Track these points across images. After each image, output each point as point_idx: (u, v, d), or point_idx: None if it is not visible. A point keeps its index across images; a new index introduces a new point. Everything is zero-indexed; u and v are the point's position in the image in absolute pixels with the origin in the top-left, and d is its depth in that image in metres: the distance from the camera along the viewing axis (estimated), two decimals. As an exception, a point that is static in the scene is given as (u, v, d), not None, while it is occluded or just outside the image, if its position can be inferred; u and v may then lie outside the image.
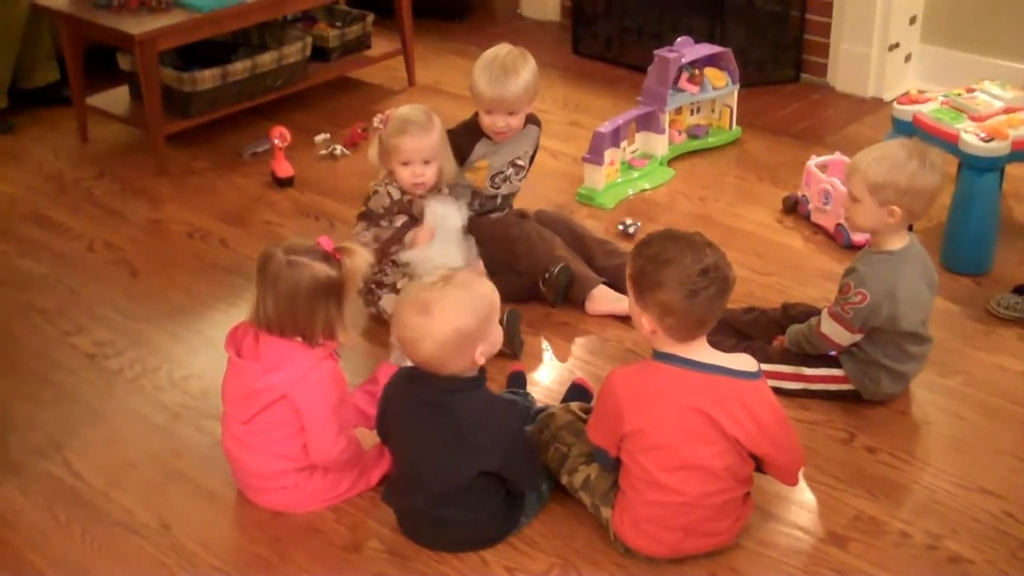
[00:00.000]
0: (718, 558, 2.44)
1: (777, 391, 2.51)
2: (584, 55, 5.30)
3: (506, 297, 3.12)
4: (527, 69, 3.29)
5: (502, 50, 3.32)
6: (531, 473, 2.51)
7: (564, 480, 2.55)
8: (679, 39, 4.19)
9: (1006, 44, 4.51)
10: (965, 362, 3.07)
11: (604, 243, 3.49)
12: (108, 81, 4.53)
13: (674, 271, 2.25)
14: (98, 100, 4.50)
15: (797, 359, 2.91)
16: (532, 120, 3.48)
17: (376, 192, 3.16)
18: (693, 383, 2.31)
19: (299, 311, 2.46)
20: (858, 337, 2.80)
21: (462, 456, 2.38)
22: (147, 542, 2.54)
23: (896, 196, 2.70)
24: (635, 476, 2.36)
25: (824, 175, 3.71)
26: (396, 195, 3.14)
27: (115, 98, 4.51)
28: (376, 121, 3.16)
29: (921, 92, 3.65)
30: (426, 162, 3.11)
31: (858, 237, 3.49)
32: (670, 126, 4.18)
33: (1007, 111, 3.44)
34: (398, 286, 3.14)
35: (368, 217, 3.17)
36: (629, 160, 4.11)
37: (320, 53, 4.78)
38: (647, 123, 4.13)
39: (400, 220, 3.17)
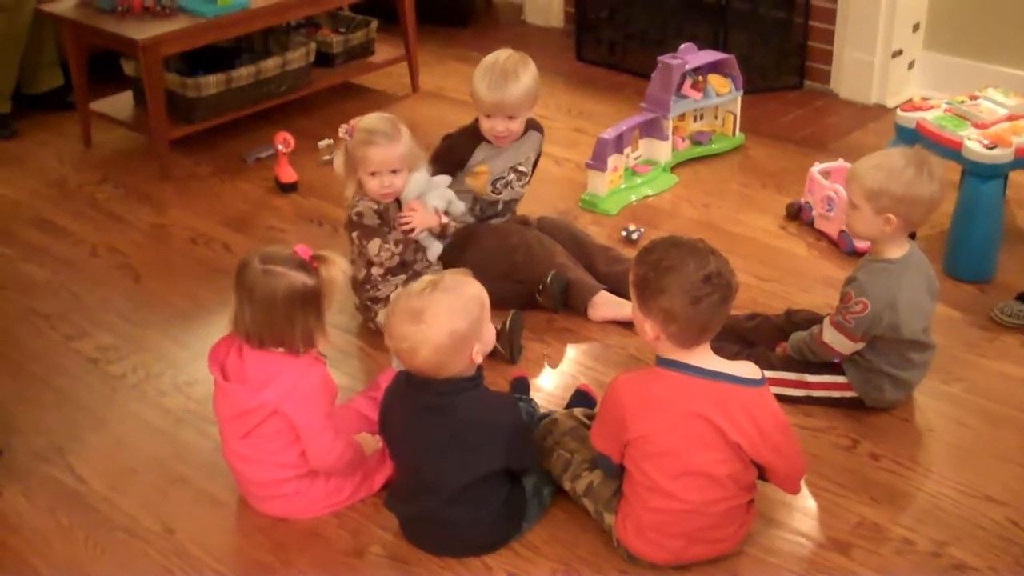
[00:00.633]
0: (721, 565, 2.44)
1: (780, 398, 2.51)
2: (587, 61, 5.31)
3: (507, 304, 3.14)
4: (527, 73, 3.29)
5: (502, 54, 3.32)
6: (532, 460, 2.53)
7: (567, 486, 2.55)
8: (683, 45, 4.19)
9: (1010, 51, 4.51)
10: (968, 369, 3.07)
11: (607, 249, 3.49)
12: (112, 86, 4.54)
13: (677, 278, 2.25)
14: (102, 105, 4.50)
15: (800, 366, 2.91)
16: (534, 126, 3.48)
17: (361, 213, 3.11)
18: (697, 389, 2.31)
19: (276, 320, 2.44)
20: (860, 346, 2.79)
21: (465, 457, 2.39)
22: (150, 547, 2.54)
23: (892, 204, 2.70)
24: (638, 483, 2.36)
25: (827, 182, 3.72)
26: (375, 206, 3.12)
27: (119, 103, 4.52)
28: (341, 131, 3.12)
29: (925, 99, 3.66)
30: (394, 172, 3.08)
31: (861, 244, 3.49)
32: (673, 132, 4.18)
33: (1011, 118, 3.44)
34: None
35: (373, 234, 3.12)
36: (632, 166, 4.11)
37: (324, 59, 4.79)
38: (650, 129, 4.13)
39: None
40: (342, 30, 4.94)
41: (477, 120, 3.38)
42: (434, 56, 5.33)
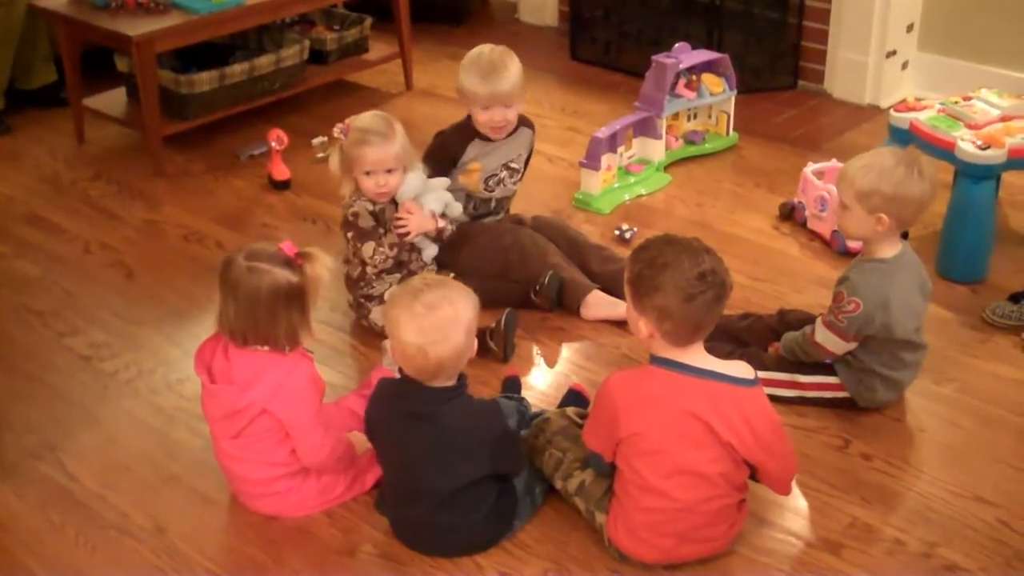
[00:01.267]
0: (712, 564, 2.44)
1: (772, 398, 2.51)
2: (581, 60, 5.31)
3: (501, 304, 3.14)
4: (514, 62, 3.33)
5: (485, 48, 3.34)
6: (519, 463, 2.53)
7: (558, 485, 2.55)
8: (677, 45, 4.19)
9: (1003, 52, 4.52)
10: (960, 370, 3.07)
11: (601, 249, 3.48)
12: (105, 83, 4.53)
13: (672, 275, 2.25)
14: (95, 102, 4.50)
15: (792, 367, 2.91)
16: (525, 122, 3.48)
17: (357, 214, 3.10)
18: (689, 388, 2.31)
19: (260, 318, 2.43)
20: (852, 345, 2.80)
21: (452, 464, 2.38)
22: (141, 544, 2.54)
23: (883, 204, 2.70)
24: (630, 482, 2.36)
25: (820, 182, 3.72)
26: (371, 207, 3.12)
27: (112, 100, 4.52)
28: (336, 131, 3.12)
29: (918, 100, 3.66)
30: (389, 171, 3.08)
31: (854, 244, 3.49)
32: (667, 132, 4.19)
33: (1004, 119, 3.45)
34: (386, 297, 3.12)
35: (367, 236, 3.12)
36: (626, 165, 4.11)
37: (318, 56, 4.78)
38: (644, 129, 4.13)
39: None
40: (336, 27, 4.94)
41: (469, 117, 3.38)
42: (428, 54, 5.32)
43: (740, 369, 2.35)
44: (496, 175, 3.44)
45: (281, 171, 4.14)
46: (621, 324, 3.15)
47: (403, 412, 2.40)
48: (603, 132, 3.92)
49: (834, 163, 3.81)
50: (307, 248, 2.52)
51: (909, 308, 2.78)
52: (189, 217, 3.96)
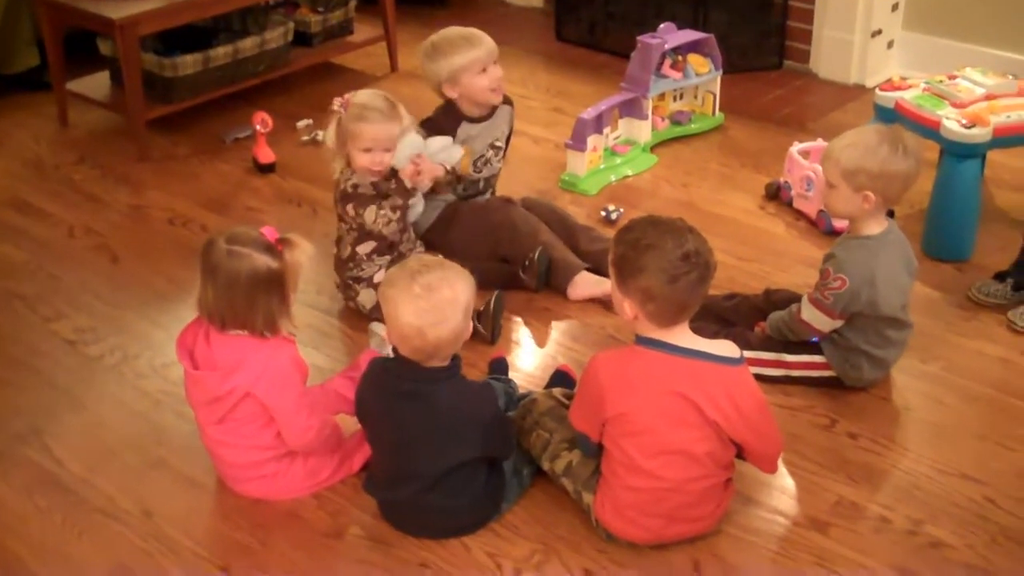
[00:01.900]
0: (700, 544, 2.45)
1: (758, 378, 2.51)
2: (567, 41, 5.30)
3: (489, 285, 3.14)
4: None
5: (442, 32, 3.40)
6: (509, 447, 2.53)
7: (546, 466, 2.55)
8: (662, 25, 4.18)
9: (988, 31, 4.52)
10: (946, 348, 3.08)
11: (588, 229, 3.48)
12: (89, 66, 4.50)
13: (655, 256, 2.25)
14: (78, 85, 4.47)
15: (778, 346, 2.92)
16: (504, 99, 3.48)
17: (356, 184, 3.07)
18: (675, 368, 2.31)
19: (237, 302, 2.42)
20: (839, 323, 2.80)
21: (443, 445, 2.38)
22: (128, 529, 2.54)
23: (869, 181, 2.71)
24: (617, 462, 2.37)
25: (806, 161, 3.72)
26: (369, 178, 3.10)
27: (96, 83, 4.49)
28: (336, 104, 3.09)
29: (903, 79, 3.66)
30: (387, 150, 3.07)
31: (840, 223, 3.49)
32: (653, 112, 4.18)
33: (988, 98, 3.45)
34: (375, 280, 3.12)
35: (369, 202, 3.08)
36: (612, 146, 4.10)
37: (302, 38, 4.76)
38: (630, 109, 4.13)
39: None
40: (320, 9, 4.91)
41: (450, 102, 3.37)
42: (413, 36, 5.26)
43: (725, 348, 2.35)
44: (483, 155, 3.45)
45: (266, 154, 4.12)
46: (608, 304, 3.14)
47: (396, 392, 2.39)
48: (589, 113, 3.92)
49: (820, 143, 3.81)
50: (288, 234, 2.50)
51: (895, 285, 2.79)
52: (174, 201, 3.94)
